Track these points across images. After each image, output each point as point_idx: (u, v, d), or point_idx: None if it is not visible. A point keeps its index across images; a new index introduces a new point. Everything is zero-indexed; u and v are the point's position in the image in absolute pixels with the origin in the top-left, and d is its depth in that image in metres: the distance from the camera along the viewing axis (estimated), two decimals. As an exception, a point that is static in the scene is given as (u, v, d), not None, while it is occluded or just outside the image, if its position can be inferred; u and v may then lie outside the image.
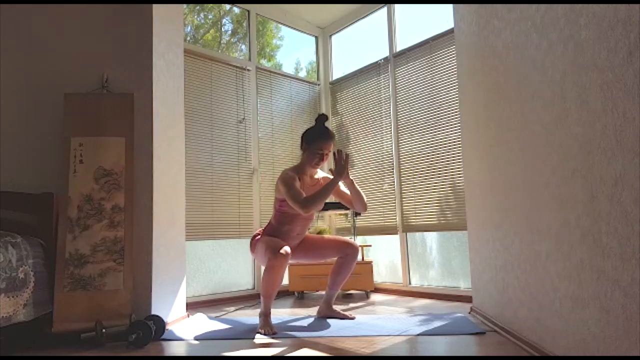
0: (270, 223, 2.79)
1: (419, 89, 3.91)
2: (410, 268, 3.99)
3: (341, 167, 2.57)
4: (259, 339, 2.36)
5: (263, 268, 2.60)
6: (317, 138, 2.67)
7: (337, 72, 4.87)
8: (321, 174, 2.86)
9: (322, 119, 2.75)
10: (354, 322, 2.69)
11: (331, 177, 2.64)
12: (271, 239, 2.64)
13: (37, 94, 2.71)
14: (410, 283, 3.96)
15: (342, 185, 2.76)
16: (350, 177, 2.66)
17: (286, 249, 2.48)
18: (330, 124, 4.78)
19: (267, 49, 4.87)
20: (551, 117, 1.60)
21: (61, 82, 2.70)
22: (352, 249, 2.81)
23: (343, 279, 2.83)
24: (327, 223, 4.47)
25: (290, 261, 2.77)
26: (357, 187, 2.72)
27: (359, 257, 3.86)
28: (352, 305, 3.45)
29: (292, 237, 2.76)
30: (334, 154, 2.62)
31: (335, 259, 2.86)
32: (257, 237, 2.76)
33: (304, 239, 2.88)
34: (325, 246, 2.85)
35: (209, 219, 3.78)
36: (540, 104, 1.70)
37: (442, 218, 3.68)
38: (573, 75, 1.42)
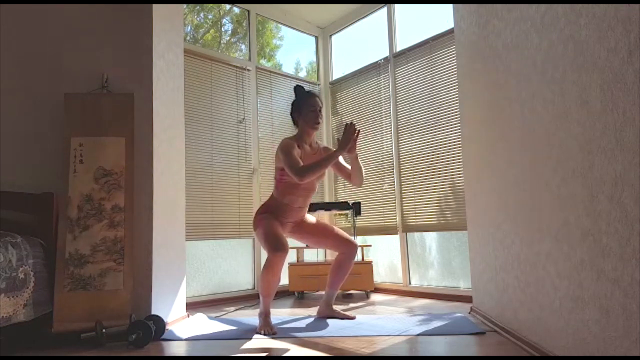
0: (272, 196, 2.78)
1: (419, 89, 3.91)
2: (410, 268, 3.99)
3: (347, 141, 2.56)
4: (259, 339, 2.36)
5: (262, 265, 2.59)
6: (302, 100, 2.74)
7: (337, 72, 4.87)
8: (322, 144, 2.89)
9: (298, 87, 2.82)
10: (354, 322, 2.69)
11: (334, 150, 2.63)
12: (272, 227, 2.58)
13: (37, 94, 2.71)
14: (410, 283, 3.96)
15: (341, 159, 2.77)
16: (356, 152, 2.65)
17: (284, 245, 2.46)
18: (330, 124, 4.78)
19: (267, 49, 4.87)
20: (551, 117, 1.60)
21: (61, 82, 2.70)
22: (351, 248, 2.81)
23: (342, 277, 2.84)
24: (327, 223, 4.47)
25: (290, 235, 2.82)
26: (359, 162, 2.73)
27: (359, 257, 3.88)
28: (352, 305, 3.45)
29: (294, 209, 2.74)
30: (345, 125, 2.60)
31: (334, 259, 2.86)
32: (260, 215, 2.72)
33: (313, 223, 2.87)
34: (327, 235, 2.85)
35: (209, 219, 3.78)
36: (540, 104, 1.70)
37: (441, 218, 3.68)
38: (573, 75, 1.42)
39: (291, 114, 2.81)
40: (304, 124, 2.73)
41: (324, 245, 2.93)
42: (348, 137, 2.56)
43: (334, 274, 2.84)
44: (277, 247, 2.45)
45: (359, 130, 2.59)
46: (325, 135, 4.75)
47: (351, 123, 2.59)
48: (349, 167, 2.75)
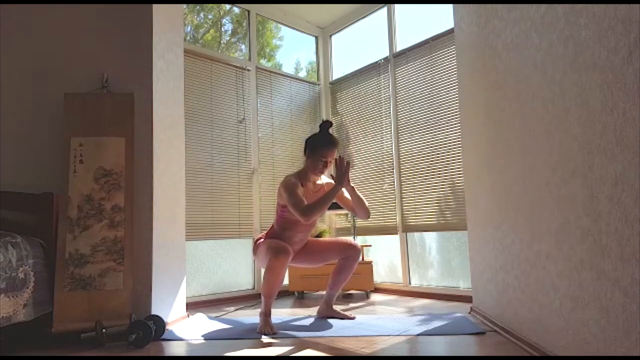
0: (273, 227, 2.79)
1: (419, 89, 3.91)
2: (410, 268, 3.99)
3: (341, 175, 2.55)
4: (259, 338, 2.36)
5: (263, 271, 2.59)
6: (321, 145, 2.66)
7: (337, 72, 4.87)
8: (325, 179, 2.84)
9: (326, 125, 2.73)
10: (354, 322, 2.69)
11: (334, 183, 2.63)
12: (273, 240, 2.64)
13: (37, 94, 2.71)
14: (410, 283, 3.96)
15: (345, 192, 2.75)
16: (352, 184, 2.65)
17: (287, 248, 2.48)
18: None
19: (267, 49, 4.87)
20: (551, 117, 1.60)
21: (61, 82, 2.70)
22: (354, 250, 2.80)
23: (344, 279, 2.83)
24: (327, 223, 4.47)
25: (292, 264, 2.77)
26: (359, 193, 2.70)
27: (359, 257, 3.87)
28: (352, 305, 3.45)
29: (294, 242, 2.74)
30: (335, 160, 2.61)
31: (337, 260, 2.86)
32: (259, 241, 2.76)
33: (306, 244, 2.87)
34: (328, 249, 2.84)
35: (209, 219, 3.78)
36: (540, 104, 1.70)
37: (441, 218, 3.68)
38: (573, 75, 1.42)
39: (306, 142, 2.74)
40: (310, 165, 2.69)
41: (329, 257, 2.85)
42: (340, 171, 2.55)
43: (335, 275, 2.83)
44: (280, 250, 2.46)
45: (348, 162, 2.58)
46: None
47: (340, 157, 2.59)
48: (350, 198, 2.74)
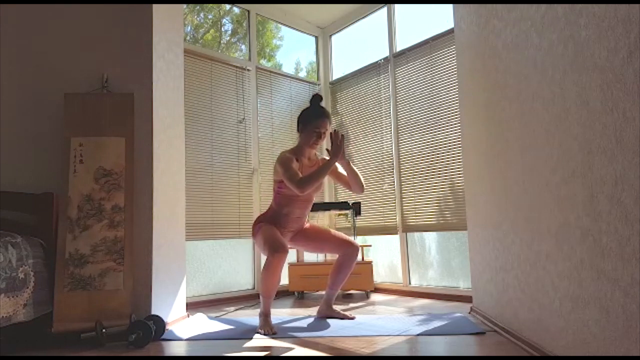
0: (271, 207, 2.80)
1: (419, 89, 3.91)
2: (410, 268, 3.99)
3: (337, 148, 2.57)
4: (259, 339, 2.36)
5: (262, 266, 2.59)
6: (313, 117, 2.70)
7: (337, 72, 4.87)
8: (320, 155, 2.87)
9: (316, 99, 2.78)
10: (354, 322, 2.69)
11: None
12: (270, 232, 2.60)
13: (37, 94, 2.72)
14: (410, 283, 3.96)
15: (339, 167, 2.77)
16: (347, 159, 2.66)
17: (283, 246, 2.47)
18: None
19: (267, 49, 4.87)
20: (551, 117, 1.60)
21: (61, 82, 2.70)
22: (353, 249, 2.80)
23: (343, 278, 2.83)
24: (327, 223, 4.47)
25: (291, 244, 2.81)
26: (354, 167, 2.72)
27: (359, 257, 3.87)
28: (352, 305, 3.45)
29: (292, 220, 2.75)
30: (330, 134, 2.62)
31: (335, 258, 2.86)
32: (258, 223, 2.74)
33: (309, 228, 2.87)
34: (328, 240, 2.85)
35: (209, 219, 3.78)
36: (540, 104, 1.70)
37: (441, 218, 3.68)
38: (573, 75, 1.42)
39: (298, 119, 2.78)
40: (304, 139, 2.72)
41: (325, 249, 2.91)
42: (335, 144, 2.57)
43: (334, 275, 2.83)
44: (276, 248, 2.45)
45: (342, 135, 2.59)
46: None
47: (335, 130, 2.61)
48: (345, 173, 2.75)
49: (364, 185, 2.77)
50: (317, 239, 2.86)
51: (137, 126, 2.68)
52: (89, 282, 2.39)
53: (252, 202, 4.08)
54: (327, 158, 2.66)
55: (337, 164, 2.69)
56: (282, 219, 2.73)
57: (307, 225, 2.91)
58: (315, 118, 2.69)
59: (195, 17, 4.39)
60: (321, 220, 4.46)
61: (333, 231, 2.90)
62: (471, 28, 2.68)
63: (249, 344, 2.26)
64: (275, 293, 2.61)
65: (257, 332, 2.46)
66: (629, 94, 1.12)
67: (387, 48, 4.26)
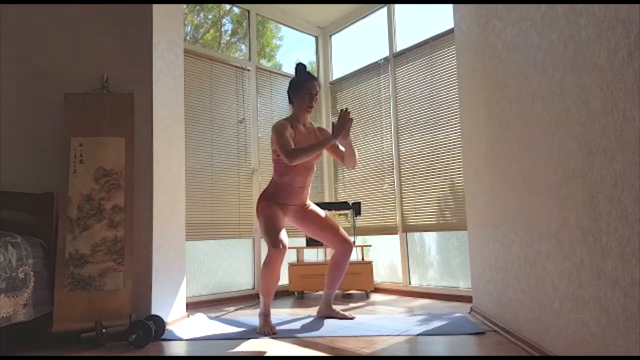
0: (272, 179, 2.80)
1: (419, 89, 3.91)
2: (410, 268, 3.99)
3: (341, 128, 2.56)
4: (259, 339, 2.36)
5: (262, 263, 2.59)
6: (302, 81, 2.74)
7: (337, 72, 4.87)
8: (316, 124, 2.90)
9: (301, 65, 2.82)
10: (354, 322, 2.69)
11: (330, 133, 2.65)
12: (272, 219, 2.58)
13: (37, 94, 2.71)
14: (410, 283, 3.96)
15: (339, 145, 2.79)
16: (349, 138, 2.66)
17: (282, 242, 2.46)
18: (331, 124, 4.77)
19: (267, 49, 4.87)
20: (551, 117, 1.60)
21: (61, 82, 2.70)
22: (348, 247, 2.82)
23: (340, 276, 2.85)
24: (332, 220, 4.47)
25: (291, 220, 2.84)
26: (354, 147, 2.75)
27: (359, 257, 3.88)
28: (352, 305, 3.45)
29: (295, 189, 2.74)
30: (340, 111, 2.60)
31: (331, 258, 2.88)
32: (262, 202, 2.73)
33: (311, 210, 2.85)
34: (326, 229, 2.84)
35: (209, 219, 3.78)
36: (540, 104, 1.70)
37: (441, 218, 3.68)
38: (573, 75, 1.42)
39: (288, 92, 2.82)
40: (297, 105, 2.75)
41: (321, 237, 2.89)
42: (342, 124, 2.56)
43: (331, 273, 2.85)
44: (275, 243, 2.45)
45: (352, 118, 2.59)
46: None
47: (345, 109, 2.60)
48: (344, 149, 2.77)
49: (357, 162, 2.84)
50: (317, 223, 2.84)
51: (137, 126, 2.68)
52: (89, 282, 2.39)
53: (252, 202, 4.07)
54: (321, 127, 2.71)
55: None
56: (284, 189, 2.71)
57: (319, 211, 2.89)
58: (305, 81, 2.73)
59: (195, 17, 4.39)
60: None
61: (332, 221, 2.89)
62: (471, 28, 2.68)
63: (249, 344, 2.26)
64: (275, 292, 2.61)
65: (257, 332, 2.46)
66: (629, 94, 1.12)
67: (387, 48, 4.26)
